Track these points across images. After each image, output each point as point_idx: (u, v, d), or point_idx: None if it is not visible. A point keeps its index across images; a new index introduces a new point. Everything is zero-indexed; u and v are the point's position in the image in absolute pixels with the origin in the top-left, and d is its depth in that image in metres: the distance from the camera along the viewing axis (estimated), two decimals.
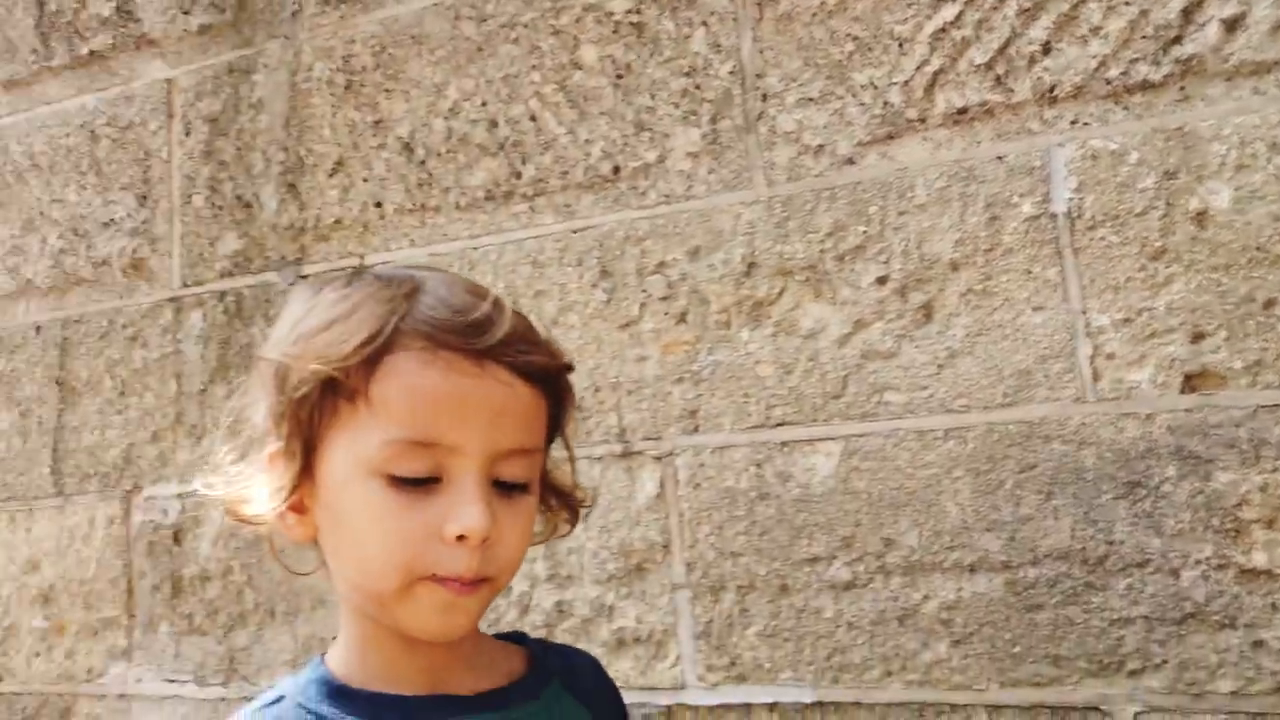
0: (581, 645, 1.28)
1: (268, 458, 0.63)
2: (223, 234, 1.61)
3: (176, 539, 1.58)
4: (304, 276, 1.54)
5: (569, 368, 0.65)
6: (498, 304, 0.61)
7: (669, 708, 1.23)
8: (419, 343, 0.59)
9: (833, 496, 1.18)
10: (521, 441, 0.61)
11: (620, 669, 1.25)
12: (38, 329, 1.73)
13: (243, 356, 1.57)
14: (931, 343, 1.15)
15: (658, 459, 1.28)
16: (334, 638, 0.67)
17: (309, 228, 1.54)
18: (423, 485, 0.58)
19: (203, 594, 1.55)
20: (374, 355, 0.58)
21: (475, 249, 1.41)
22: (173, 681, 1.55)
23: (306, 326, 0.62)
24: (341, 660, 0.64)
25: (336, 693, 0.62)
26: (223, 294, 1.60)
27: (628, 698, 1.29)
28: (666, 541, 1.26)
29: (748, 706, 1.19)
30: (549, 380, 0.63)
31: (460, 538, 0.58)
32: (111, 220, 1.70)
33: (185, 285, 1.63)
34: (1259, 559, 1.00)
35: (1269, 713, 0.98)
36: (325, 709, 0.61)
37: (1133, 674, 1.03)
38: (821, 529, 1.18)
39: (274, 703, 0.63)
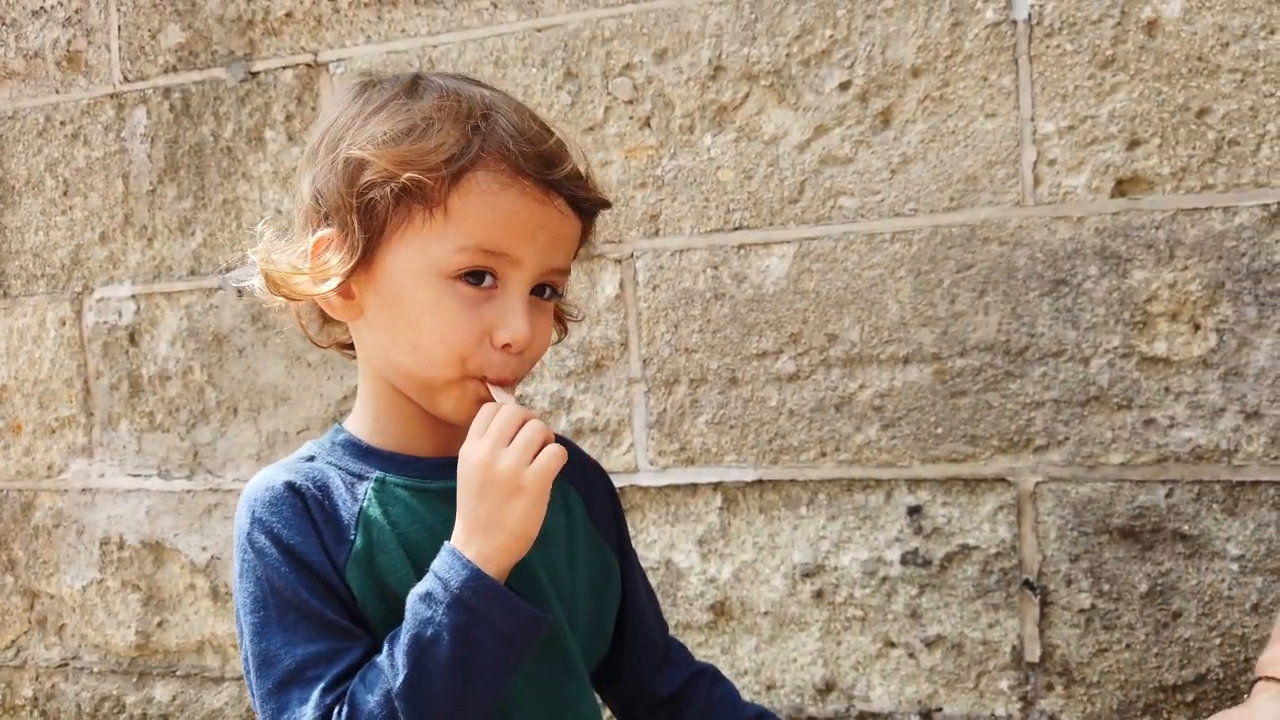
0: None
1: (317, 242, 0.67)
2: (164, 25, 1.54)
3: (133, 339, 1.58)
4: (255, 73, 1.50)
5: (609, 205, 0.72)
6: (559, 142, 0.68)
7: (622, 489, 1.32)
8: (500, 165, 0.65)
9: (784, 296, 1.25)
10: (564, 262, 0.70)
11: None
12: None
13: (194, 157, 1.54)
14: (887, 149, 1.20)
15: (618, 261, 1.32)
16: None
17: (257, 20, 1.48)
18: (481, 290, 0.66)
19: (163, 393, 1.57)
20: (459, 170, 0.64)
21: (435, 47, 1.39)
22: (136, 476, 1.59)
23: (381, 129, 0.65)
24: (363, 426, 0.72)
25: (362, 452, 0.70)
26: (168, 90, 1.55)
27: None
28: (625, 339, 1.32)
29: (694, 486, 1.29)
30: (592, 214, 0.71)
31: (505, 346, 0.66)
32: (42, 8, 1.60)
33: (126, 80, 1.57)
34: (1160, 348, 1.11)
35: (1150, 480, 1.12)
36: (353, 466, 0.69)
37: (1038, 450, 1.15)
38: (771, 326, 1.25)
39: (308, 460, 0.71)
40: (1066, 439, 1.14)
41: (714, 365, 1.28)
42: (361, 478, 0.68)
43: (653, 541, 1.31)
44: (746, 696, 1.29)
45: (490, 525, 0.62)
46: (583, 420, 1.34)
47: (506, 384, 0.67)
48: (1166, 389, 1.11)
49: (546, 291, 0.69)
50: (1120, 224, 1.12)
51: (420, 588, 0.62)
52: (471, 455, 0.63)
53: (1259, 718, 0.76)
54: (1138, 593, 1.13)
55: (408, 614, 0.62)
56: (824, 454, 1.23)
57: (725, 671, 1.30)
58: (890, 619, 1.22)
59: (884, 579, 1.22)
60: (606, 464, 1.33)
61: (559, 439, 0.67)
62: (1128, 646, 1.14)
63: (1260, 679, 0.80)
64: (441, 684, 0.60)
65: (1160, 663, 1.13)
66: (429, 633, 0.60)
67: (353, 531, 0.66)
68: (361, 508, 0.67)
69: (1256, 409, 1.08)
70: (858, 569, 1.22)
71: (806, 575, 1.25)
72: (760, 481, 1.26)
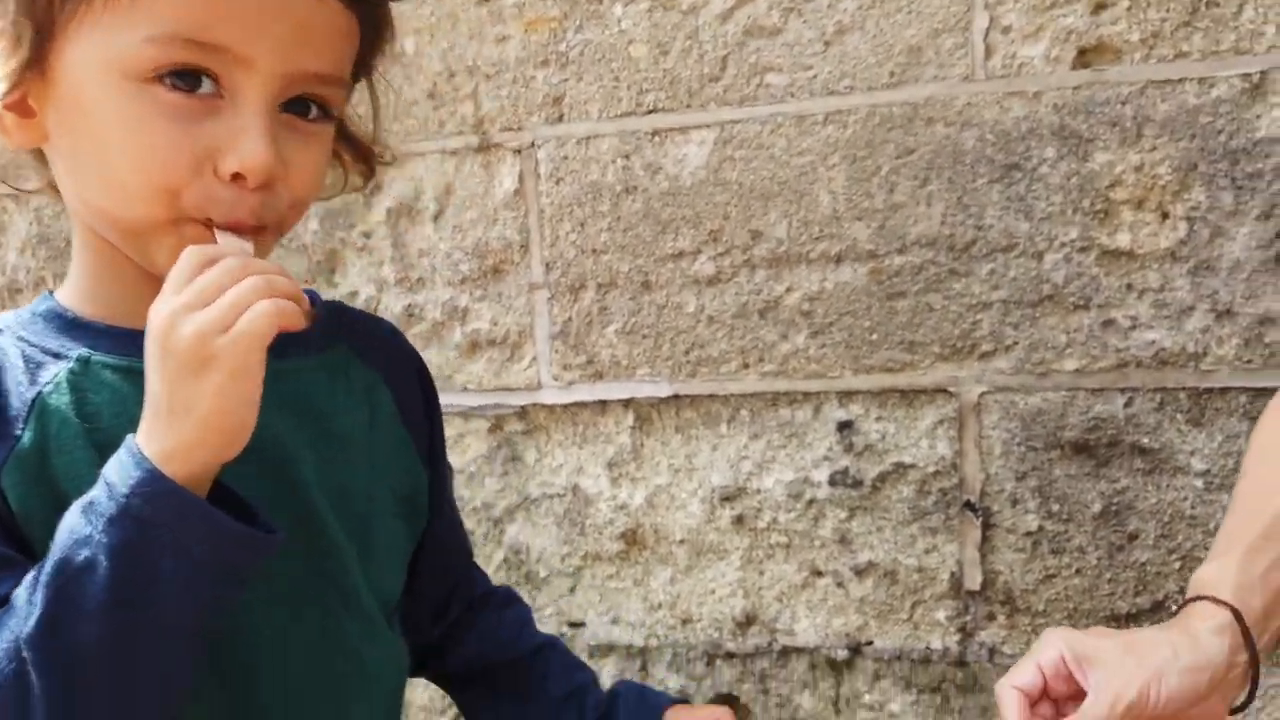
0: (433, 349, 1.20)
1: None
2: None
3: None
4: None
5: None
6: None
7: (524, 408, 1.18)
8: None
9: (703, 188, 1.10)
10: (326, 67, 0.52)
11: (473, 371, 1.19)
12: None
13: None
14: (820, 17, 1.04)
15: (517, 151, 1.16)
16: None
17: None
18: (197, 99, 0.49)
19: (13, 307, 1.38)
20: None
21: None
22: None
23: None
24: (75, 292, 0.56)
25: (67, 325, 0.55)
26: None
27: (480, 400, 1.24)
28: (525, 240, 1.17)
29: (603, 403, 1.15)
30: (372, 3, 0.54)
31: (237, 176, 0.49)
32: None
33: None
34: (1122, 240, 0.98)
35: (1107, 388, 1.00)
36: (51, 342, 0.54)
37: (984, 356, 1.03)
38: (689, 223, 1.10)
39: None
40: (1015, 344, 1.02)
41: (625, 268, 1.13)
42: (58, 357, 0.53)
43: (558, 466, 1.17)
44: (661, 631, 1.17)
45: (174, 412, 0.45)
46: (479, 332, 1.19)
47: (244, 230, 0.50)
48: (1129, 286, 0.98)
49: (312, 110, 0.53)
50: (1082, 99, 0.98)
51: (84, 498, 0.46)
52: (154, 316, 0.46)
53: (1202, 649, 0.63)
54: (1090, 513, 1.02)
55: (60, 531, 0.46)
56: (746, 365, 1.10)
57: (638, 605, 1.18)
58: (817, 545, 1.10)
59: (810, 502, 1.09)
60: (506, 380, 1.19)
61: (314, 298, 0.51)
62: (1078, 572, 1.03)
63: (1198, 598, 0.67)
64: (94, 626, 0.44)
65: (1113, 589, 1.02)
66: (81, 557, 0.44)
67: (21, 425, 0.50)
68: (40, 394, 0.51)
69: (1229, 306, 0.96)
70: (782, 491, 1.10)
71: (726, 499, 1.12)
72: (676, 397, 1.12)
